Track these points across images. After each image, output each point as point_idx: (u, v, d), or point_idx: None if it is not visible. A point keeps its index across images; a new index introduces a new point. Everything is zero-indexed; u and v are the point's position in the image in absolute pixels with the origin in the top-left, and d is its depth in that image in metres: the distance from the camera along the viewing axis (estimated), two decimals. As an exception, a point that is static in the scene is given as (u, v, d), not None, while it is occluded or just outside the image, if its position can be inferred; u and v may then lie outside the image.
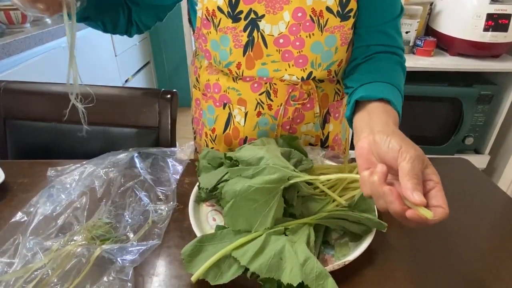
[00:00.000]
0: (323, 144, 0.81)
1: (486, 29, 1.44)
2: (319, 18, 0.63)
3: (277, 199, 0.48)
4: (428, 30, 1.69)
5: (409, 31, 1.58)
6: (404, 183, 0.38)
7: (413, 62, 1.51)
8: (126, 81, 2.25)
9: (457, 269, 0.51)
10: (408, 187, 0.38)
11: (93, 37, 1.80)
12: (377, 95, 0.55)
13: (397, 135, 0.44)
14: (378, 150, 0.44)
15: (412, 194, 0.37)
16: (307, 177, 0.50)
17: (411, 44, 1.61)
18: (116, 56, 2.07)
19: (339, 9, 0.63)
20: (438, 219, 0.37)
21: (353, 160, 0.68)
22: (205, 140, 0.83)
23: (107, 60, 1.99)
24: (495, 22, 1.43)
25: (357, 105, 0.58)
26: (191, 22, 0.77)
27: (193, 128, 0.91)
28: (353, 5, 0.63)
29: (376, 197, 0.41)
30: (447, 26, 1.57)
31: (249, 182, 0.49)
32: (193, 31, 0.75)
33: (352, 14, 0.64)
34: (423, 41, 1.57)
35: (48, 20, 1.56)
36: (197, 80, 0.81)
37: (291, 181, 0.50)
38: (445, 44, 1.62)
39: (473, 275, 0.50)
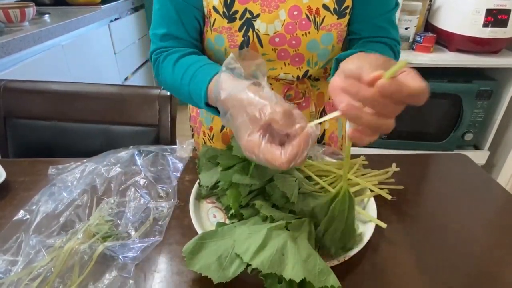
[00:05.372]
0: (319, 141, 0.81)
1: (485, 25, 1.44)
2: (315, 16, 0.63)
3: None
4: (428, 26, 1.69)
5: (409, 27, 1.58)
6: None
7: (413, 58, 1.51)
8: (126, 79, 2.24)
9: (457, 264, 0.51)
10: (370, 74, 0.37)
11: (92, 35, 1.80)
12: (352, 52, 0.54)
13: (350, 59, 0.42)
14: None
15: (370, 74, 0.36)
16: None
17: (410, 40, 1.61)
18: (115, 54, 2.06)
19: (336, 6, 0.63)
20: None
21: (354, 156, 0.69)
22: (203, 139, 0.83)
23: (107, 58, 1.98)
24: (494, 17, 1.43)
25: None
26: None
27: (190, 126, 0.91)
28: (348, 1, 0.63)
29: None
30: (447, 22, 1.57)
31: None
32: None
33: (348, 11, 0.64)
34: (422, 37, 1.57)
35: (47, 19, 1.55)
36: None
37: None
38: (445, 40, 1.62)
39: (473, 269, 0.51)
